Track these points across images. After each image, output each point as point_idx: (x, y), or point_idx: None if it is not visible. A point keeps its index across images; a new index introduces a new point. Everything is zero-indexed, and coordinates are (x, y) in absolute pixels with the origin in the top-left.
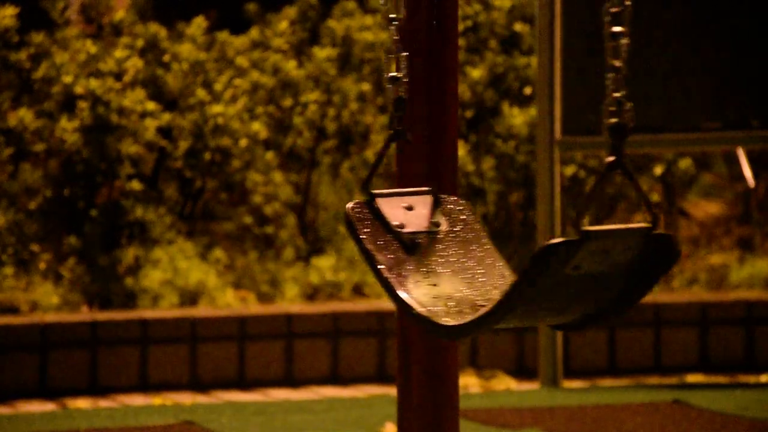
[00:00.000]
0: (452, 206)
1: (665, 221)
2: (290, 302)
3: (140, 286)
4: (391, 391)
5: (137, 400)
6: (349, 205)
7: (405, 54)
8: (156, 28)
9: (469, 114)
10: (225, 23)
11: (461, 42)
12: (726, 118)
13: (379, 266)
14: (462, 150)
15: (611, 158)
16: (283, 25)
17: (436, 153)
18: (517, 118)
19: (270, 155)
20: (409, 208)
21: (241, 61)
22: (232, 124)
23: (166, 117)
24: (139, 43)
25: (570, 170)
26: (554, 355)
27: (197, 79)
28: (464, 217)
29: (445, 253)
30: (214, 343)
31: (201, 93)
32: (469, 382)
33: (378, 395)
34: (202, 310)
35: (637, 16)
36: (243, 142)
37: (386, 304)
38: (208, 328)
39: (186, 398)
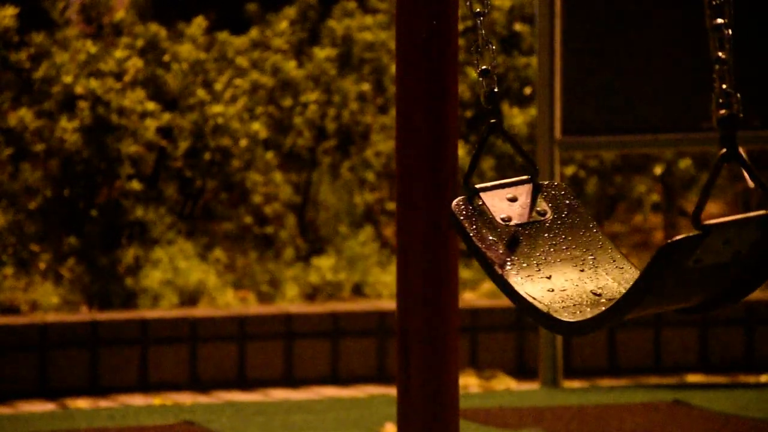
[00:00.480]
0: (555, 192)
1: (666, 221)
2: (290, 302)
3: (140, 286)
4: (391, 391)
5: (137, 400)
6: (454, 202)
7: (493, 47)
8: (156, 28)
9: (469, 114)
10: (225, 23)
11: (461, 42)
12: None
13: (491, 264)
14: (462, 150)
15: (724, 150)
16: (283, 25)
17: (436, 153)
18: (517, 118)
19: (270, 155)
20: (513, 200)
21: (241, 61)
22: (232, 124)
23: (166, 117)
24: (139, 43)
25: (570, 170)
26: (554, 355)
27: (197, 79)
28: (568, 201)
29: (554, 242)
30: (214, 343)
31: (201, 93)
32: (469, 382)
33: (378, 395)
34: (202, 310)
35: (638, 16)
36: (243, 142)
37: (386, 304)
38: (208, 328)
39: (186, 398)
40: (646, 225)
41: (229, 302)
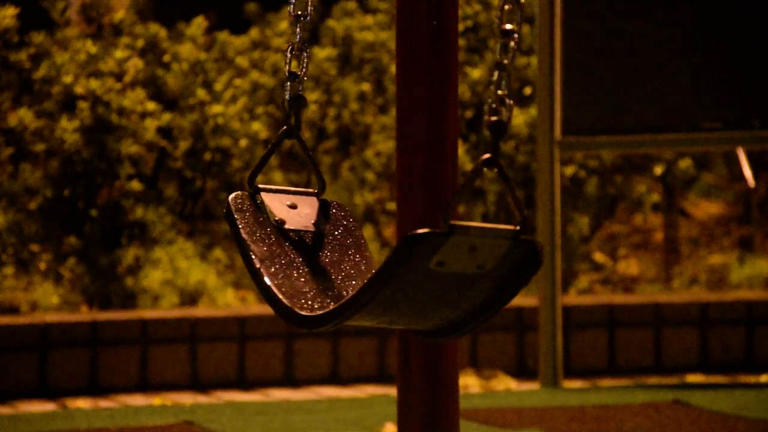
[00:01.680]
0: (336, 211)
1: (666, 221)
2: None
3: (140, 286)
4: (391, 391)
5: (137, 400)
6: (232, 195)
7: (307, 53)
8: (156, 28)
9: (469, 114)
10: (225, 23)
11: (461, 42)
12: (726, 118)
13: (251, 255)
14: (462, 150)
15: (487, 155)
16: (283, 25)
17: (436, 153)
18: (517, 118)
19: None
20: (293, 207)
21: (241, 61)
22: (232, 124)
23: (166, 117)
24: (139, 43)
25: (570, 170)
26: (554, 355)
27: (197, 79)
28: (346, 222)
29: (321, 254)
30: (214, 343)
31: (201, 93)
32: (469, 382)
33: (378, 395)
34: (202, 310)
35: (638, 16)
36: (243, 142)
37: None
38: (208, 328)
39: (186, 398)
40: (646, 225)
41: (229, 302)
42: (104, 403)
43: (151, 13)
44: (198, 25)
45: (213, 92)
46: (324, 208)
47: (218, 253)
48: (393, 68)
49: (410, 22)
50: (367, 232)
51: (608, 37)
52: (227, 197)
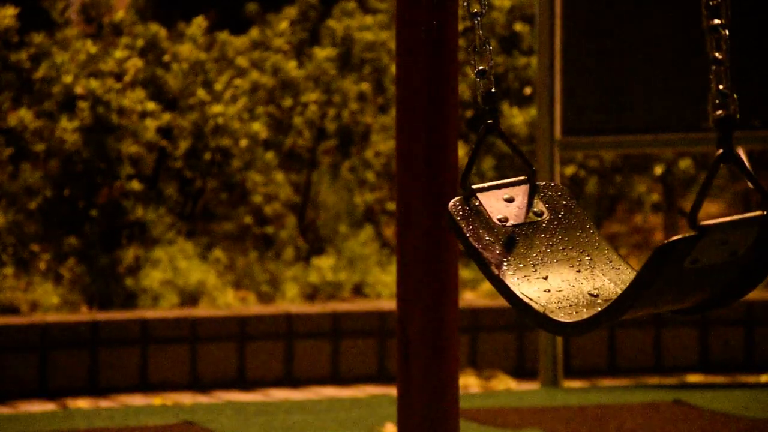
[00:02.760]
0: (552, 192)
1: (666, 221)
2: (290, 302)
3: (140, 286)
4: (391, 391)
5: (137, 400)
6: (450, 203)
7: (490, 47)
8: (156, 28)
9: (469, 114)
10: (225, 23)
11: (461, 42)
12: None
13: (488, 265)
14: (462, 150)
15: (720, 151)
16: (283, 25)
17: (436, 153)
18: (517, 118)
19: (270, 155)
20: (510, 200)
21: (241, 61)
22: (232, 124)
23: (166, 117)
24: (139, 43)
25: (570, 170)
26: (554, 355)
27: (197, 79)
28: (565, 202)
29: (551, 243)
30: (214, 343)
31: (201, 93)
32: (469, 382)
33: (378, 395)
34: (202, 310)
35: (638, 16)
36: (243, 142)
37: (386, 304)
38: (208, 328)
39: (186, 398)
40: (646, 225)
41: (229, 302)
42: (104, 403)
43: (151, 13)
44: (198, 25)
45: (213, 92)
46: (540, 193)
47: (218, 253)
48: (393, 68)
49: (410, 22)
50: (368, 232)
51: (608, 37)
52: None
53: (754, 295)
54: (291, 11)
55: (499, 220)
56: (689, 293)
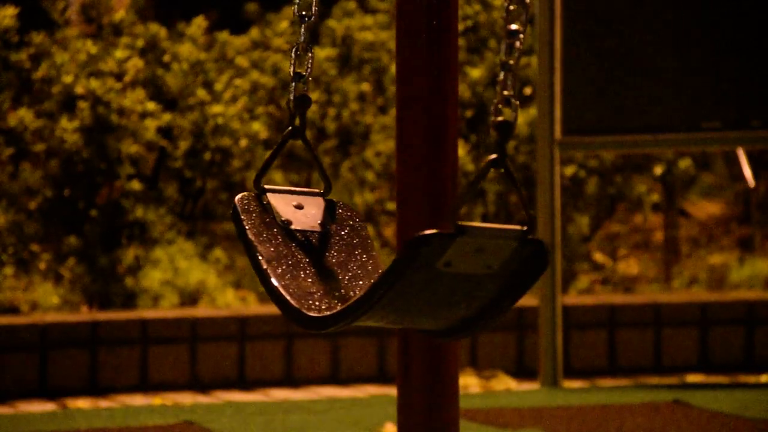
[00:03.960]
0: (342, 211)
1: (666, 221)
2: None
3: (140, 286)
4: (391, 391)
5: (137, 400)
6: (238, 196)
7: (311, 54)
8: (156, 28)
9: (469, 114)
10: (225, 23)
11: (461, 42)
12: (726, 118)
13: (258, 256)
14: (462, 150)
15: (494, 155)
16: (283, 25)
17: (435, 153)
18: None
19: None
20: (299, 207)
21: (241, 61)
22: (232, 124)
23: (166, 117)
24: (139, 43)
25: (570, 170)
26: (554, 355)
27: (197, 79)
28: (352, 222)
29: (328, 254)
30: (214, 343)
31: (201, 93)
32: (469, 382)
33: (378, 395)
34: (202, 310)
35: (638, 16)
36: (243, 142)
37: None
38: (208, 328)
39: (186, 398)
40: (646, 225)
41: (229, 302)
42: (104, 403)
43: (151, 13)
44: (198, 25)
45: (213, 92)
46: (330, 208)
47: (218, 253)
48: (393, 68)
49: (410, 22)
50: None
51: (608, 37)
52: (230, 197)
53: (754, 295)
54: (291, 11)
55: (283, 221)
56: (442, 307)
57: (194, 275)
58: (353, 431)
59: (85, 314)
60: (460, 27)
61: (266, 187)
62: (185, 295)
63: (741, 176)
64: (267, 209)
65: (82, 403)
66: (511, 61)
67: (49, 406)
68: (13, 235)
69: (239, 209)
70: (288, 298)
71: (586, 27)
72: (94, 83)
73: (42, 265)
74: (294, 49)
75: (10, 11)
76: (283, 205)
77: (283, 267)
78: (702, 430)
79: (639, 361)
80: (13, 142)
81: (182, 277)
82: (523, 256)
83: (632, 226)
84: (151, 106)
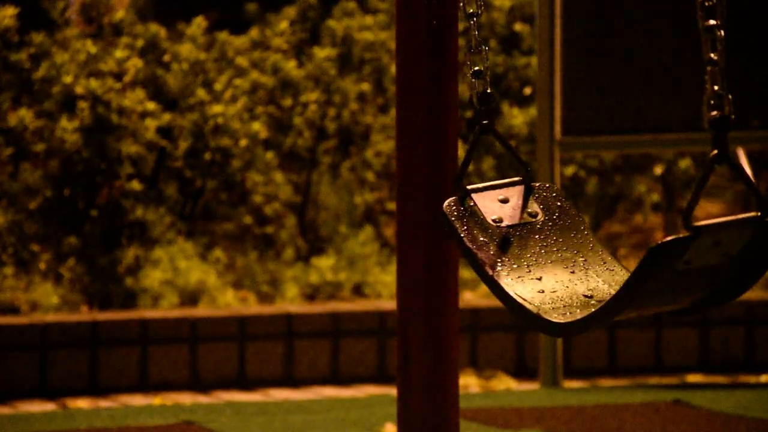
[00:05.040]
0: (546, 194)
1: (666, 221)
2: (290, 302)
3: (140, 286)
4: (391, 391)
5: (137, 400)
6: (445, 203)
7: (486, 48)
8: (156, 28)
9: (469, 114)
10: (225, 23)
11: (461, 42)
12: None
13: (482, 265)
14: (462, 150)
15: (715, 152)
16: (283, 25)
17: (436, 153)
18: (517, 118)
19: (270, 155)
20: (504, 201)
21: (241, 61)
22: (232, 124)
23: (166, 117)
24: (139, 43)
25: (570, 170)
26: (554, 355)
27: (197, 79)
28: (560, 203)
29: (545, 244)
30: (214, 343)
31: (201, 93)
32: (469, 382)
33: (378, 395)
34: (202, 310)
35: (638, 16)
36: (243, 142)
37: (386, 304)
38: (208, 328)
39: (186, 398)
40: (646, 225)
41: (229, 302)
42: (104, 403)
43: (151, 13)
44: (198, 25)
45: (213, 92)
46: (535, 194)
47: (218, 253)
48: (393, 68)
49: (410, 22)
50: (367, 232)
51: (608, 37)
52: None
53: (754, 295)
54: (291, 11)
55: (494, 220)
56: (683, 294)
57: (194, 275)
58: (353, 431)
59: (85, 314)
60: (460, 27)
61: (469, 187)
62: (185, 295)
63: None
64: (475, 211)
65: (82, 403)
66: (715, 56)
67: (49, 406)
68: (13, 235)
69: (450, 217)
70: (525, 304)
71: (586, 27)
72: (94, 83)
73: (42, 265)
74: (467, 48)
75: (10, 11)
76: (488, 203)
77: (507, 270)
78: (702, 430)
79: (639, 361)
80: (13, 142)
81: (182, 277)
82: (762, 240)
83: (632, 226)
84: (151, 106)
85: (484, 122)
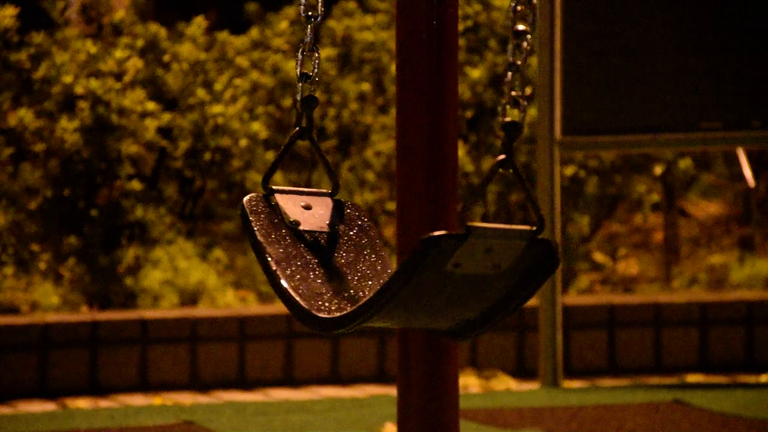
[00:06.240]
0: (350, 211)
1: (666, 221)
2: None
3: (140, 286)
4: (391, 391)
5: (137, 400)
6: (246, 197)
7: (317, 54)
8: (156, 28)
9: (469, 114)
10: (225, 23)
11: (461, 42)
12: (726, 118)
13: (267, 258)
14: (462, 150)
15: (502, 156)
16: (283, 25)
17: (436, 153)
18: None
19: (270, 155)
20: (307, 207)
21: (241, 61)
22: (232, 124)
23: (166, 117)
24: (139, 43)
25: (570, 170)
26: (554, 355)
27: (197, 79)
28: (360, 222)
29: (337, 255)
30: (214, 343)
31: (201, 93)
32: (469, 382)
33: (378, 395)
34: (202, 310)
35: (638, 16)
36: (243, 142)
37: None
38: (208, 328)
39: (186, 398)
40: (646, 225)
41: (229, 302)
42: (104, 403)
43: (151, 13)
44: (198, 25)
45: (213, 92)
46: (338, 208)
47: (218, 253)
48: (393, 68)
49: (410, 22)
50: None
51: (608, 37)
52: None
53: (754, 295)
54: (291, 11)
55: (291, 222)
56: (450, 307)
57: (194, 275)
58: (353, 431)
59: (85, 314)
60: (460, 27)
61: (274, 188)
62: (185, 295)
63: (741, 176)
64: (275, 210)
65: (82, 403)
66: (518, 62)
67: (49, 406)
68: (13, 235)
69: (248, 210)
70: (298, 299)
71: (586, 27)
72: (94, 83)
73: (42, 265)
74: (300, 50)
75: (10, 11)
76: (291, 205)
77: (293, 268)
78: (702, 430)
79: (639, 361)
80: (13, 142)
81: (182, 277)
82: (533, 256)
83: (632, 226)
84: (151, 106)
85: (303, 126)
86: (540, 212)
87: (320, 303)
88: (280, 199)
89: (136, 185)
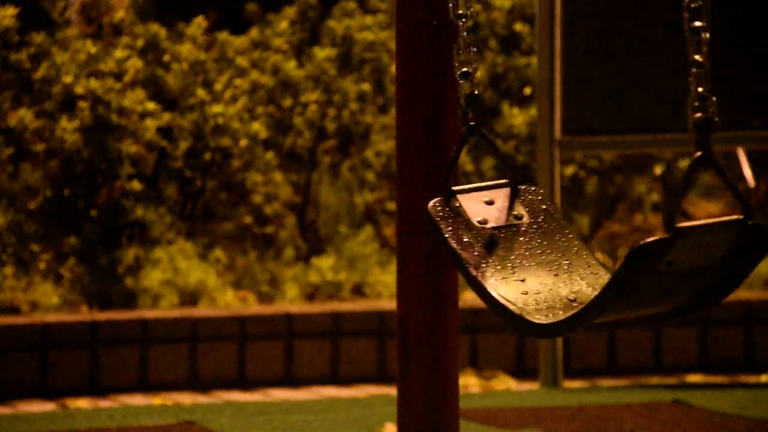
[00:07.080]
0: (532, 196)
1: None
2: (290, 302)
3: (140, 286)
4: (391, 391)
5: (137, 400)
6: (430, 204)
7: (474, 49)
8: (156, 28)
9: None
10: (225, 23)
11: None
12: (726, 118)
13: (465, 265)
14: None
15: (698, 154)
16: (283, 25)
17: (436, 153)
18: (517, 118)
19: (270, 155)
20: (490, 203)
21: (241, 61)
22: (232, 124)
23: (166, 117)
24: (139, 43)
25: (570, 170)
26: (554, 355)
27: (197, 79)
28: (545, 206)
29: (529, 246)
30: (214, 343)
31: (201, 93)
32: (469, 382)
33: (378, 395)
34: (202, 310)
35: (638, 16)
36: (243, 142)
37: (386, 304)
38: (208, 328)
39: (186, 398)
40: (646, 225)
41: (229, 302)
42: (104, 403)
43: (151, 13)
44: (198, 25)
45: (213, 92)
46: (521, 197)
47: (218, 253)
48: (393, 68)
49: (410, 22)
50: (367, 232)
51: (608, 37)
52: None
53: (754, 295)
54: (291, 11)
55: (479, 221)
56: (666, 296)
57: (194, 275)
58: (353, 431)
59: (85, 314)
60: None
61: (455, 188)
62: (185, 295)
63: (741, 176)
64: (460, 212)
65: (82, 403)
66: (700, 58)
67: (49, 406)
68: (13, 235)
69: (434, 217)
70: (508, 305)
71: (586, 27)
72: (94, 83)
73: (42, 265)
74: (456, 50)
75: (10, 11)
76: (473, 204)
77: (491, 270)
78: (702, 430)
79: (639, 361)
80: (13, 142)
81: (182, 277)
82: (745, 242)
83: (632, 226)
84: (151, 106)
85: (471, 124)
86: (748, 202)
87: (527, 306)
88: (462, 199)
89: (136, 185)
